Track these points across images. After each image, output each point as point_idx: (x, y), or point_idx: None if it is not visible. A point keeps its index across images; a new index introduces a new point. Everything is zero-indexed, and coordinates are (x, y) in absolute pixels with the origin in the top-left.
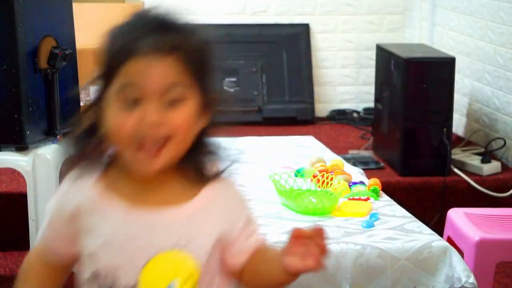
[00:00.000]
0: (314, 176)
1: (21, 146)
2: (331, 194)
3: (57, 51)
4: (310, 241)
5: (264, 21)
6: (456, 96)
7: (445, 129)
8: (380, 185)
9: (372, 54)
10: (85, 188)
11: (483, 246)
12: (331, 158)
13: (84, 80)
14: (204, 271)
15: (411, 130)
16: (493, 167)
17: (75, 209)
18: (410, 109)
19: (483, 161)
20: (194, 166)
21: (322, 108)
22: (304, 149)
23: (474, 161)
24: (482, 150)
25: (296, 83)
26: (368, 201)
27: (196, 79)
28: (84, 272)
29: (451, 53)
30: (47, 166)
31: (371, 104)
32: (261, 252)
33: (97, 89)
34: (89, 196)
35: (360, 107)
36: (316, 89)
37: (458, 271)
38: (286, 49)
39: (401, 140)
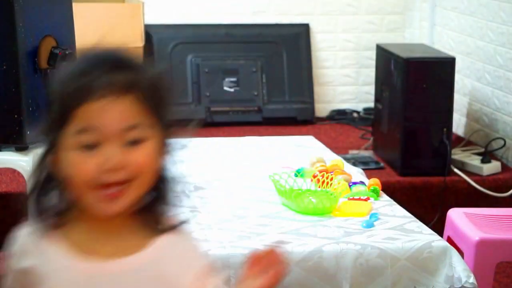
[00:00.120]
0: (314, 176)
1: (21, 146)
2: (331, 194)
3: (57, 51)
4: (266, 261)
5: (264, 21)
6: (456, 96)
7: (445, 129)
8: (380, 185)
9: (372, 54)
10: (37, 242)
11: (483, 246)
12: (331, 158)
13: None
14: None
15: (411, 130)
16: (493, 167)
17: (28, 266)
18: (410, 109)
19: (483, 161)
20: (150, 214)
21: (322, 108)
22: (304, 149)
23: (474, 161)
24: (482, 150)
25: (296, 83)
26: (368, 201)
27: (155, 116)
28: None
29: (451, 53)
30: None
31: (371, 104)
32: None
33: (49, 135)
34: (40, 249)
35: (360, 107)
36: (316, 89)
37: (458, 271)
38: (286, 49)
39: (401, 140)
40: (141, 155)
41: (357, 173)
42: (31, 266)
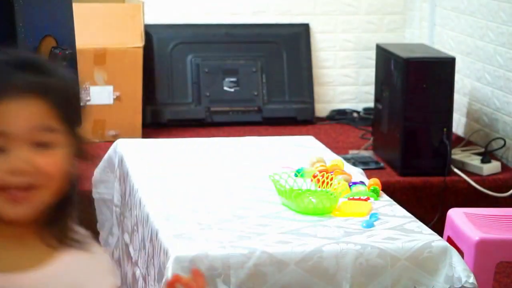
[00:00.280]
0: (314, 176)
1: None
2: (331, 194)
3: (57, 51)
4: (189, 282)
5: (264, 21)
6: (456, 96)
7: (445, 129)
8: (380, 185)
9: (372, 54)
10: None
11: (483, 246)
12: (331, 158)
13: (84, 80)
14: None
15: (411, 130)
16: (493, 167)
17: None
18: (410, 109)
19: (483, 161)
20: (57, 225)
21: (322, 108)
22: (304, 149)
23: (474, 161)
24: (482, 150)
25: (296, 83)
26: (368, 201)
27: (66, 123)
28: None
29: (451, 53)
30: None
31: (371, 104)
32: None
33: None
34: None
35: (360, 107)
36: (316, 89)
37: (458, 271)
38: (286, 49)
39: (401, 140)
40: (49, 161)
41: (357, 173)
42: None
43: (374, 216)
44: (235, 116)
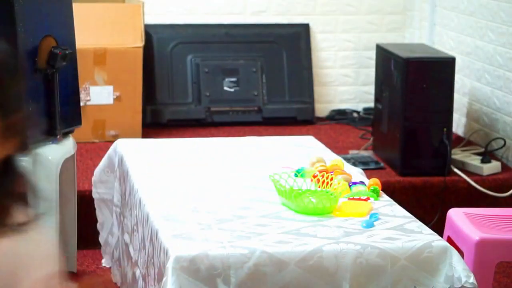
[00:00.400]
0: (314, 176)
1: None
2: (331, 194)
3: (57, 51)
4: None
5: (264, 21)
6: (456, 96)
7: (445, 129)
8: (380, 185)
9: (372, 54)
10: None
11: (483, 246)
12: (331, 158)
13: (84, 80)
14: None
15: (411, 130)
16: (493, 167)
17: None
18: (410, 109)
19: (483, 161)
20: None
21: (322, 108)
22: (304, 149)
23: (474, 161)
24: (482, 150)
25: (296, 83)
26: (368, 201)
27: None
28: None
29: (451, 53)
30: (47, 166)
31: (371, 104)
32: None
33: None
34: None
35: (360, 107)
36: (316, 89)
37: (458, 271)
38: (286, 49)
39: (401, 140)
40: None
41: (357, 173)
42: None
43: (374, 216)
44: (235, 116)
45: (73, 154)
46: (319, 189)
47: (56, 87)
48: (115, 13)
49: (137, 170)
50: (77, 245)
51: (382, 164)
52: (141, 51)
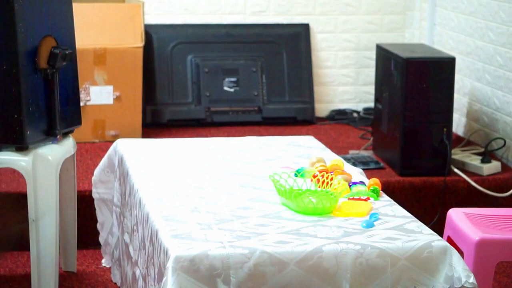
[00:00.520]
0: (314, 176)
1: (21, 146)
2: (331, 194)
3: (57, 51)
4: None
5: (264, 21)
6: (456, 96)
7: (445, 129)
8: (380, 185)
9: (372, 54)
10: None
11: (483, 246)
12: (331, 158)
13: (84, 80)
14: None
15: (411, 130)
16: (493, 167)
17: None
18: (410, 109)
19: (483, 161)
20: None
21: (322, 108)
22: (304, 149)
23: (474, 161)
24: (482, 150)
25: (296, 83)
26: (368, 201)
27: None
28: None
29: (451, 53)
30: (47, 166)
31: (371, 104)
32: None
33: None
34: None
35: (360, 107)
36: (316, 89)
37: (458, 271)
38: (286, 49)
39: (401, 140)
40: None
41: (357, 173)
42: None
43: (374, 216)
44: (235, 116)
45: (73, 154)
46: (319, 189)
47: (56, 87)
48: (115, 13)
49: (137, 170)
50: (77, 245)
51: (382, 164)
52: (141, 51)
